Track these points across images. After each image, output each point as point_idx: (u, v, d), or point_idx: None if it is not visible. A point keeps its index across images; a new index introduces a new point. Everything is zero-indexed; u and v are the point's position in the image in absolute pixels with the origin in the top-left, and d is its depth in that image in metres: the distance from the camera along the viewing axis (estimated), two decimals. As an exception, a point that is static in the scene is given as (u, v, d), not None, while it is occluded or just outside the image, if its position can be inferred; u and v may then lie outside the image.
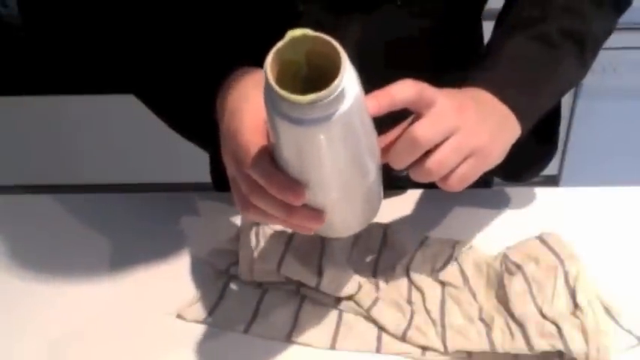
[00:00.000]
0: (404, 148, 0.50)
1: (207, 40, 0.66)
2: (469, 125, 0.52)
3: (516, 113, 0.56)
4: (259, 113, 0.49)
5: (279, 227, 0.68)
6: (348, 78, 0.42)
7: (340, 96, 0.42)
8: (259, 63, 0.56)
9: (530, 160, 0.70)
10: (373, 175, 0.50)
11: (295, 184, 0.47)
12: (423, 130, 0.49)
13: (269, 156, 0.48)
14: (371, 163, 0.49)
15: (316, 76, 0.43)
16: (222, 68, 0.59)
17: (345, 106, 0.42)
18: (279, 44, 0.42)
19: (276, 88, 0.40)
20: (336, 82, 0.41)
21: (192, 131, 0.67)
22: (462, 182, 0.53)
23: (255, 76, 0.55)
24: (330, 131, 0.43)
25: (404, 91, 0.49)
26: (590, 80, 1.87)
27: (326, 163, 0.46)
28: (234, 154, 0.50)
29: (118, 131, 2.03)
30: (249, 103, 0.52)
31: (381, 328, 0.59)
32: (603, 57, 2.09)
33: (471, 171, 0.53)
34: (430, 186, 0.74)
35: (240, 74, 0.57)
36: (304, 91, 0.41)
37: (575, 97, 1.91)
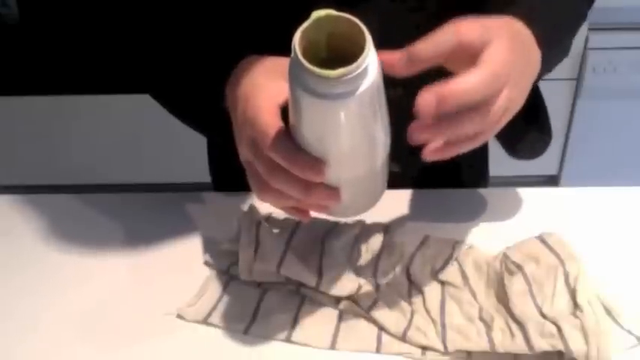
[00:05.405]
0: (490, 77, 0.48)
1: (215, 30, 0.67)
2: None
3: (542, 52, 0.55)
4: (274, 98, 0.51)
5: (278, 228, 0.68)
6: (371, 56, 0.45)
7: (364, 72, 0.44)
8: (266, 51, 0.57)
9: (525, 138, 0.71)
10: (384, 156, 0.52)
11: (316, 162, 0.49)
12: (504, 71, 0.48)
13: (288, 137, 0.49)
14: (383, 143, 0.51)
15: (334, 58, 0.45)
16: (231, 57, 0.60)
17: (367, 82, 0.45)
18: (306, 24, 0.44)
19: (305, 62, 0.43)
20: (362, 56, 0.43)
21: (200, 120, 0.67)
22: (505, 116, 0.51)
23: (267, 64, 0.56)
24: (352, 107, 0.46)
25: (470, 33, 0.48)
26: (590, 80, 1.88)
27: (345, 139, 0.48)
28: (252, 138, 0.51)
29: (118, 131, 2.03)
30: (262, 89, 0.53)
31: (381, 328, 0.59)
32: (603, 57, 2.11)
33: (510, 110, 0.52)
34: (425, 185, 0.75)
35: (250, 63, 0.57)
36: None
37: (575, 97, 1.91)
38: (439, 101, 0.46)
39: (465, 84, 0.46)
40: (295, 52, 0.44)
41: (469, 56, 0.48)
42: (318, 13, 0.44)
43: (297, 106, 0.47)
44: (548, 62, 0.58)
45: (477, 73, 0.47)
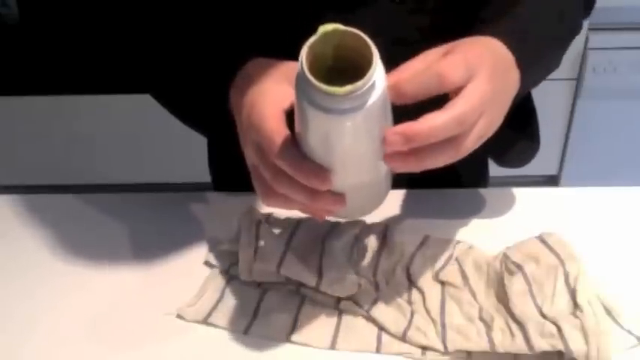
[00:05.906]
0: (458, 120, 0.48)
1: (219, 30, 0.67)
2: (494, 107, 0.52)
3: (521, 72, 0.56)
4: (279, 103, 0.51)
5: (278, 228, 0.68)
6: (379, 71, 0.45)
7: (371, 87, 0.44)
8: (271, 52, 0.58)
9: (512, 149, 0.72)
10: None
11: (322, 170, 0.49)
12: (473, 114, 0.49)
13: (294, 144, 0.49)
14: None
15: (340, 67, 0.45)
16: (235, 58, 0.60)
17: (374, 97, 0.45)
18: (312, 39, 0.44)
19: (314, 80, 0.43)
20: (369, 72, 0.43)
21: (202, 120, 0.67)
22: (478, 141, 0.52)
23: (275, 69, 0.56)
24: (359, 120, 0.45)
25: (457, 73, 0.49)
26: (590, 80, 1.88)
27: (351, 149, 0.48)
28: (258, 144, 0.51)
29: (118, 131, 2.03)
30: (268, 94, 0.53)
31: (381, 328, 0.59)
32: (603, 57, 2.11)
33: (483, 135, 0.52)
34: (424, 185, 0.75)
35: (255, 67, 0.58)
36: (329, 80, 0.43)
37: (575, 97, 1.91)
38: (406, 140, 0.47)
39: (434, 122, 0.47)
40: (302, 68, 0.44)
41: (454, 89, 0.50)
42: (324, 28, 0.44)
43: (303, 118, 0.47)
44: (532, 78, 0.59)
45: (450, 111, 0.48)
